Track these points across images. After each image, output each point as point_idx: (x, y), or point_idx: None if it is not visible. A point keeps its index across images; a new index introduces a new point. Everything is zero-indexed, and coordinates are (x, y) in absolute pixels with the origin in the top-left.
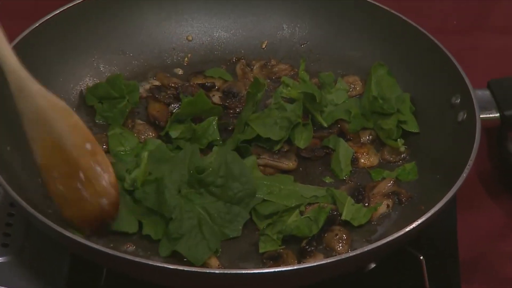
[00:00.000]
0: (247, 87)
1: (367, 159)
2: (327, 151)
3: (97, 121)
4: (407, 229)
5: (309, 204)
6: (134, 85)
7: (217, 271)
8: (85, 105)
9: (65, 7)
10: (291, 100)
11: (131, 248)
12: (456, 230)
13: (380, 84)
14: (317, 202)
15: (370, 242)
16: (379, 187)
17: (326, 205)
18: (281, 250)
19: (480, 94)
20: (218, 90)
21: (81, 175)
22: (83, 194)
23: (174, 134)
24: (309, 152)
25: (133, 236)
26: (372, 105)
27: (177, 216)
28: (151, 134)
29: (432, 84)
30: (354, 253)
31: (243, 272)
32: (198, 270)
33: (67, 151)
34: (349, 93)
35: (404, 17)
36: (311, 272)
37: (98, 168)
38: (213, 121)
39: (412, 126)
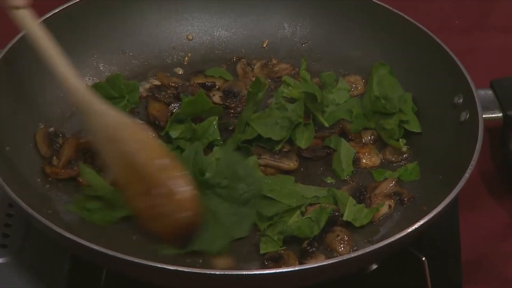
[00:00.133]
0: (247, 87)
1: (369, 159)
2: (329, 151)
3: None
4: (409, 230)
5: (310, 204)
6: (134, 85)
7: (217, 272)
8: None
9: (64, 6)
10: (292, 100)
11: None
12: (459, 231)
13: (382, 84)
14: (319, 203)
15: (372, 243)
16: (381, 187)
17: (327, 205)
18: (282, 251)
19: (483, 94)
20: (218, 89)
21: (157, 191)
22: (162, 210)
23: (174, 134)
24: (310, 152)
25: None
26: (373, 105)
27: None
28: (150, 134)
29: (434, 84)
30: (356, 254)
31: (244, 273)
32: (199, 271)
33: (140, 168)
34: (350, 92)
35: (406, 16)
36: (312, 273)
37: (174, 183)
38: (214, 120)
39: (414, 126)
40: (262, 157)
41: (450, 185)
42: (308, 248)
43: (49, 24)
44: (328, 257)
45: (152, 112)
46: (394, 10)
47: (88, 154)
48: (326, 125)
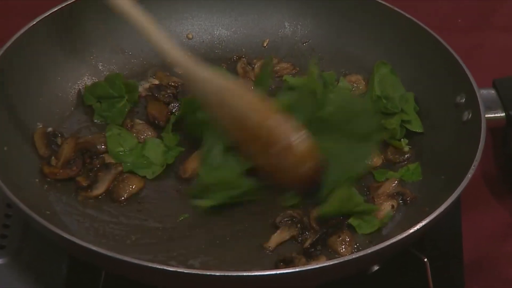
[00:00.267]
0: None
1: (370, 159)
2: None
3: (95, 120)
4: (411, 230)
5: None
6: (133, 84)
7: (217, 273)
8: (84, 105)
9: (63, 5)
10: None
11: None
12: (461, 232)
13: (383, 83)
14: None
15: (374, 243)
16: (383, 187)
17: None
18: (294, 255)
19: (485, 94)
20: None
21: (277, 146)
22: (284, 164)
23: None
24: None
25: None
26: (375, 104)
27: None
28: (150, 133)
29: (436, 83)
30: (357, 255)
31: (244, 274)
32: (199, 272)
33: (254, 128)
34: (351, 92)
35: (407, 15)
36: (314, 274)
37: (290, 137)
38: None
39: (416, 126)
40: None
41: (452, 186)
42: (311, 249)
43: (48, 23)
44: (329, 258)
45: (151, 112)
46: (396, 9)
47: (87, 154)
48: None
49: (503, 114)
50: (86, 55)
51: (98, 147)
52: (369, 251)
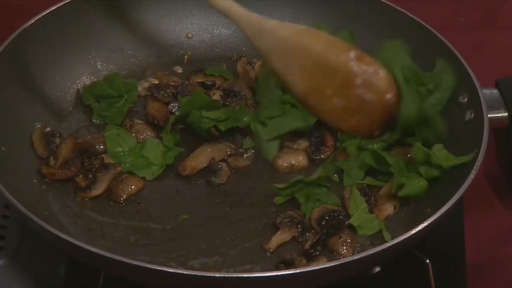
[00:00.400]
0: (248, 86)
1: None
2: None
3: (94, 120)
4: (413, 231)
5: None
6: (132, 84)
7: (217, 275)
8: (82, 104)
9: (62, 3)
10: None
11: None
12: (463, 233)
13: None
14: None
15: (375, 245)
16: (385, 188)
17: (332, 207)
18: (295, 256)
19: (488, 93)
20: (218, 88)
21: (357, 81)
22: (366, 97)
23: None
24: None
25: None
26: None
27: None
28: (149, 133)
29: None
30: (359, 256)
31: (245, 275)
32: (198, 274)
33: (333, 65)
34: None
35: (409, 14)
36: (315, 276)
37: (370, 68)
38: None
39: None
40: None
41: (455, 186)
42: (311, 250)
43: (46, 22)
44: (330, 260)
45: (151, 112)
46: (398, 8)
47: (85, 154)
48: None
49: (505, 114)
50: (84, 54)
51: (97, 147)
52: (371, 252)
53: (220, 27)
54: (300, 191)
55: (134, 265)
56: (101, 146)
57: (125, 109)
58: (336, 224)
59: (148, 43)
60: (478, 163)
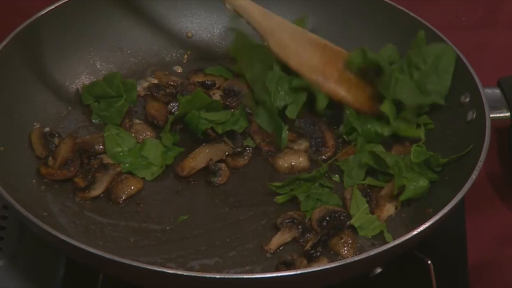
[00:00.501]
0: (248, 85)
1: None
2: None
3: (93, 120)
4: (414, 232)
5: None
6: (131, 84)
7: (217, 276)
8: (81, 104)
9: (61, 2)
10: None
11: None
12: (465, 234)
13: None
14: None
15: (376, 245)
16: (386, 188)
17: (333, 207)
18: (295, 257)
19: (490, 93)
20: (218, 88)
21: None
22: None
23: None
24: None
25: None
26: None
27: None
28: (149, 134)
29: None
30: (360, 257)
31: (245, 277)
32: (198, 275)
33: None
34: None
35: (411, 13)
36: (315, 277)
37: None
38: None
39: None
40: None
41: (456, 187)
42: (312, 251)
43: (45, 21)
44: (331, 260)
45: (150, 112)
46: (400, 7)
47: (85, 154)
48: None
49: (508, 114)
50: (84, 54)
51: (96, 147)
52: (372, 253)
53: (220, 26)
54: (299, 188)
55: (134, 266)
56: (100, 146)
57: (125, 109)
58: (337, 224)
59: (147, 43)
60: (480, 163)
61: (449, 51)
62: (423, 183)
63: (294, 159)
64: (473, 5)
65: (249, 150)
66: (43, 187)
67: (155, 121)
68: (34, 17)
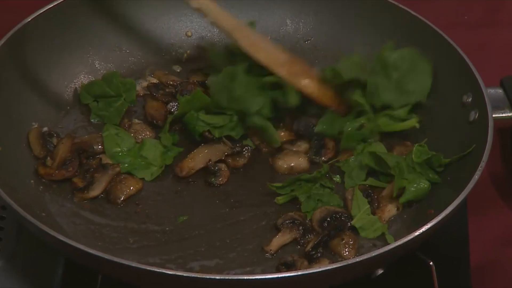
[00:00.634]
0: None
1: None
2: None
3: (92, 120)
4: (416, 233)
5: None
6: (131, 83)
7: (218, 277)
8: (80, 104)
9: (59, 1)
10: None
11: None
12: (467, 234)
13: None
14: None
15: (378, 246)
16: (388, 189)
17: (334, 208)
18: (296, 258)
19: (493, 93)
20: None
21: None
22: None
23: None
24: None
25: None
26: None
27: None
28: (148, 134)
29: (442, 82)
30: (361, 259)
31: (245, 278)
32: (198, 276)
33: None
34: None
35: (412, 12)
36: (316, 278)
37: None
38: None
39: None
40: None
41: (459, 187)
42: (313, 252)
43: (43, 20)
44: (332, 262)
45: (149, 111)
46: (401, 6)
47: (83, 154)
48: None
49: (511, 114)
50: (82, 53)
51: (94, 147)
52: (373, 255)
53: None
54: (300, 188)
55: (133, 267)
56: (99, 146)
57: (124, 109)
58: (338, 225)
59: (147, 42)
60: (482, 164)
61: (423, 57)
62: (423, 184)
63: (294, 160)
64: (476, 5)
65: (248, 149)
66: (42, 187)
67: (154, 121)
68: (32, 16)
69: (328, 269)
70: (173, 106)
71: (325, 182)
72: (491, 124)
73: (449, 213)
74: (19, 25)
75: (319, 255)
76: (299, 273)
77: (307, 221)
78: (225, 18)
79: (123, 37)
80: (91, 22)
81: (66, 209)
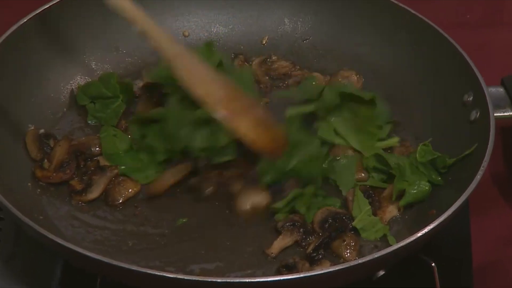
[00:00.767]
0: None
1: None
2: None
3: (89, 121)
4: (418, 234)
5: None
6: (128, 84)
7: (219, 280)
8: (77, 105)
9: (54, 2)
10: None
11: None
12: (469, 235)
13: None
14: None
15: (379, 248)
16: (389, 189)
17: (335, 209)
18: (297, 260)
19: (494, 92)
20: None
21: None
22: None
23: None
24: None
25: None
26: None
27: None
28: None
29: (443, 81)
30: (363, 260)
31: (247, 280)
32: (199, 279)
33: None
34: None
35: (413, 11)
36: (318, 280)
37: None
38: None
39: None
40: None
41: (461, 188)
42: (314, 254)
43: (39, 20)
44: (333, 263)
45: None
46: (401, 5)
47: (81, 156)
48: None
49: None
50: (78, 53)
51: (92, 149)
52: (375, 256)
53: (218, 25)
54: (300, 201)
55: (132, 270)
56: (97, 148)
57: (121, 110)
58: (339, 226)
59: (143, 42)
60: (484, 163)
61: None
62: (424, 187)
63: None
64: (477, 4)
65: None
66: (39, 190)
67: None
68: (27, 17)
69: (330, 271)
70: None
71: (321, 193)
72: (492, 123)
73: (451, 214)
74: (14, 26)
75: (320, 257)
76: (301, 275)
77: (307, 223)
78: (168, 43)
79: (120, 37)
80: (87, 23)
81: (64, 212)
